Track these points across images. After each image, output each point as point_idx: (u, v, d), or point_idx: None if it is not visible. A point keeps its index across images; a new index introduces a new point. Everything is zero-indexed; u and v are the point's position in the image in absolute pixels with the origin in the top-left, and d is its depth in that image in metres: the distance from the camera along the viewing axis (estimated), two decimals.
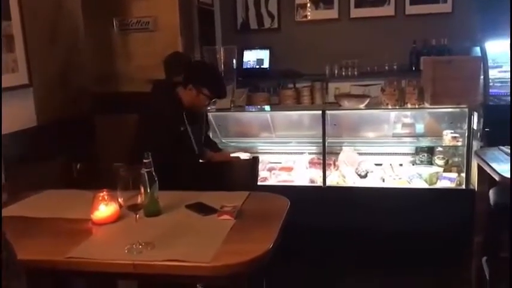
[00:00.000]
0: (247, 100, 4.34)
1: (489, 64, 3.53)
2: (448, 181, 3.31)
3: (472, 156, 3.12)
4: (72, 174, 2.86)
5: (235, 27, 5.17)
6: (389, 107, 3.34)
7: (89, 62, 3.62)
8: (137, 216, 1.68)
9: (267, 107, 4.11)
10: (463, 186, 3.27)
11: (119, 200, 1.66)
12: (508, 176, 2.24)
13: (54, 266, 1.64)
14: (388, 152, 3.67)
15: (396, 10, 4.79)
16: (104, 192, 1.90)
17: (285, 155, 3.84)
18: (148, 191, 1.67)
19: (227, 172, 2.70)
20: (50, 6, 3.15)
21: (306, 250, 3.24)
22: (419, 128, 3.52)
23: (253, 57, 5.08)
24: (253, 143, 3.84)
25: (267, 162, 3.78)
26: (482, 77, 3.34)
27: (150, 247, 1.64)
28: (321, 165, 3.44)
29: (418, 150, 3.58)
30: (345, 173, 3.47)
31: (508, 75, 3.50)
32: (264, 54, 5.05)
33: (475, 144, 3.19)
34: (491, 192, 2.64)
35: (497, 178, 2.32)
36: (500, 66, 3.63)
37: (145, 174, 1.71)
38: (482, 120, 3.13)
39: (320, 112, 3.36)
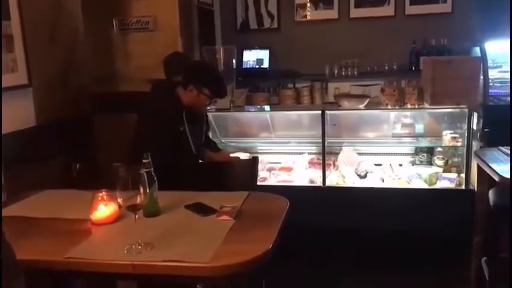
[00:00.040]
0: (247, 100, 4.34)
1: (489, 64, 3.54)
2: (447, 181, 3.31)
3: (472, 156, 3.12)
4: (71, 174, 2.85)
5: (235, 27, 5.17)
6: (389, 107, 3.34)
7: (88, 62, 3.62)
8: (136, 216, 1.68)
9: (267, 107, 4.12)
10: (463, 187, 3.26)
11: (118, 200, 1.66)
12: (508, 176, 2.24)
13: (53, 266, 1.63)
14: (388, 152, 3.67)
15: (396, 10, 4.79)
16: (103, 193, 1.89)
17: (284, 155, 3.84)
18: (148, 191, 1.67)
19: (227, 172, 2.70)
20: (50, 6, 3.15)
21: (306, 250, 3.24)
22: (419, 128, 3.52)
23: (253, 57, 5.08)
24: (253, 143, 3.84)
25: (267, 162, 3.78)
26: (482, 77, 3.34)
27: (149, 247, 1.64)
28: (321, 166, 3.44)
29: (418, 151, 3.58)
30: (345, 173, 3.47)
31: (507, 75, 3.51)
32: (264, 54, 5.05)
33: (475, 145, 3.19)
34: (490, 193, 2.64)
35: (496, 178, 2.32)
36: (500, 67, 3.64)
37: (145, 174, 1.71)
38: (481, 120, 3.13)
39: (320, 112, 3.36)
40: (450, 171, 3.41)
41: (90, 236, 1.80)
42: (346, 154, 3.60)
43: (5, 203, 2.16)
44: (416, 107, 3.31)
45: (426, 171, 3.39)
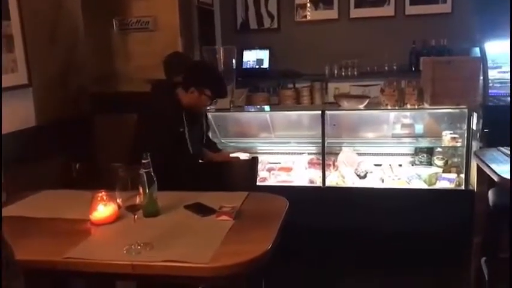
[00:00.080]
0: (247, 100, 4.34)
1: (488, 65, 3.54)
2: (447, 182, 3.31)
3: (472, 157, 3.12)
4: (71, 174, 2.85)
5: (235, 27, 5.17)
6: (389, 107, 3.34)
7: (88, 62, 3.62)
8: (136, 216, 1.68)
9: (267, 107, 4.12)
10: (462, 187, 3.27)
11: (118, 200, 1.66)
12: (507, 176, 2.23)
13: (52, 266, 1.63)
14: (388, 153, 3.67)
15: (396, 10, 4.79)
16: (103, 193, 1.89)
17: (284, 155, 3.84)
18: (147, 191, 1.67)
19: (226, 172, 2.70)
20: (49, 6, 3.15)
21: (305, 250, 3.24)
22: (419, 128, 3.52)
23: (252, 57, 5.07)
24: (253, 143, 3.84)
25: (266, 163, 3.78)
26: (481, 77, 3.34)
27: (148, 248, 1.64)
28: (320, 166, 3.44)
29: (418, 151, 3.58)
30: (344, 174, 3.47)
31: (507, 75, 3.51)
32: (264, 54, 5.05)
33: (475, 145, 3.19)
34: (490, 193, 2.64)
35: (496, 179, 2.32)
36: (500, 67, 3.64)
37: (144, 174, 1.71)
38: (481, 120, 3.13)
39: (319, 112, 3.36)
40: (450, 172, 3.41)
41: (89, 236, 1.80)
42: (346, 154, 3.60)
43: (4, 203, 2.16)
44: (416, 107, 3.31)
45: (426, 171, 3.39)
